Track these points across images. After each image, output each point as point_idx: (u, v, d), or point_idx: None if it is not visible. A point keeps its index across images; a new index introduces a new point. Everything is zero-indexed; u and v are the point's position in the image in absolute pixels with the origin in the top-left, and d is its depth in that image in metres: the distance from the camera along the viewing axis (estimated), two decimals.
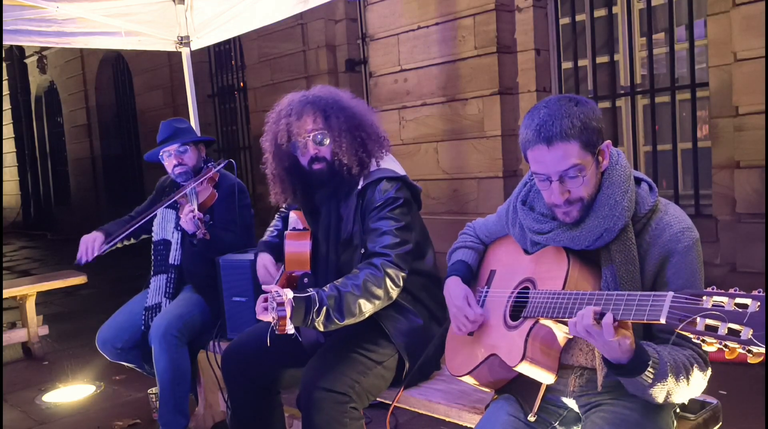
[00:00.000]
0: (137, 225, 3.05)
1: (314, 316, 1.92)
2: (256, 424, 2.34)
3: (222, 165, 3.09)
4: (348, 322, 2.00)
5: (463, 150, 5.84)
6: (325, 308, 1.94)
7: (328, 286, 2.01)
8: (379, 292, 2.04)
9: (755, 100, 4.18)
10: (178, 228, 3.02)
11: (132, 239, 3.22)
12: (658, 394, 1.44)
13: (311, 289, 1.97)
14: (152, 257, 3.15)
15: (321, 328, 1.98)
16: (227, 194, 3.03)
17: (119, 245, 3.13)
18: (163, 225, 3.12)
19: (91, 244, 3.00)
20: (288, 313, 1.84)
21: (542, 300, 1.58)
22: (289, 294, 1.88)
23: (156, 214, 3.11)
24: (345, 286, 2.00)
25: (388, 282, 2.05)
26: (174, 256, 3.05)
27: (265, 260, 2.47)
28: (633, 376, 1.41)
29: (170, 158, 3.07)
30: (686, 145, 4.95)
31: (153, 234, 3.16)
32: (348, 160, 2.17)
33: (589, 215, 1.57)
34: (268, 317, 1.88)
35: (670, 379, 1.42)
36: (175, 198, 3.00)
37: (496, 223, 1.96)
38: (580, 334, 1.40)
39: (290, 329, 1.87)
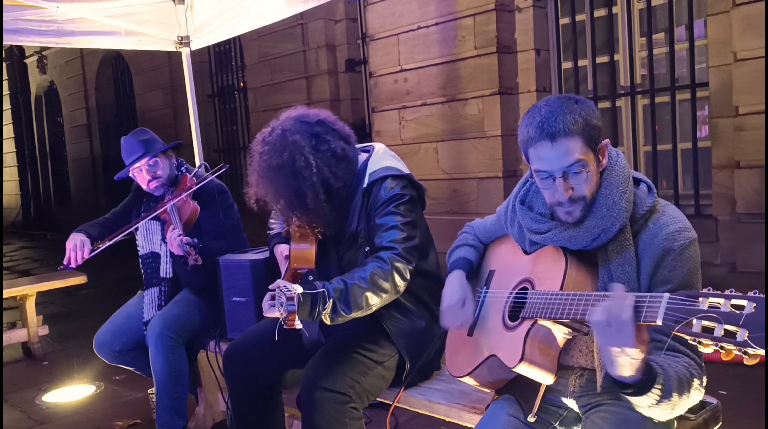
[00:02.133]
0: (124, 234, 2.94)
1: (321, 309, 1.91)
2: (257, 424, 2.34)
3: (196, 170, 3.01)
4: (355, 315, 1.99)
5: (463, 150, 5.84)
6: (331, 300, 1.93)
7: (335, 279, 2.00)
8: (387, 285, 2.02)
9: (755, 100, 4.18)
10: (165, 240, 2.94)
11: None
12: (662, 412, 1.41)
13: (318, 282, 1.96)
14: (141, 270, 3.08)
15: (328, 321, 1.96)
16: (208, 201, 2.94)
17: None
18: (149, 238, 3.04)
19: (80, 249, 2.90)
20: (297, 308, 1.84)
21: (540, 300, 1.57)
22: (298, 289, 1.88)
23: (138, 226, 3.01)
24: (352, 279, 1.99)
25: (396, 275, 2.04)
26: (165, 269, 2.99)
27: (283, 250, 2.44)
28: (640, 395, 1.37)
29: (141, 174, 2.95)
30: (686, 145, 4.95)
31: (139, 247, 3.09)
32: (334, 176, 2.11)
33: (588, 216, 1.57)
34: (275, 313, 1.88)
35: (675, 396, 1.39)
36: (154, 214, 2.91)
37: (495, 223, 1.96)
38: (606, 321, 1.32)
39: (299, 324, 1.87)
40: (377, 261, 2.04)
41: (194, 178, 2.99)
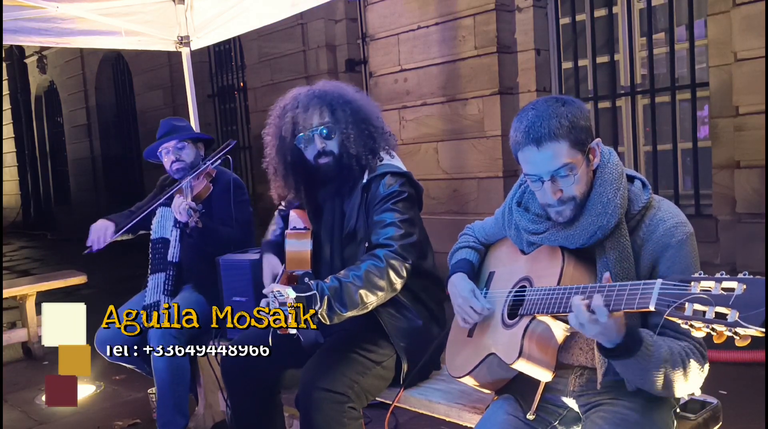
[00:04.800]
0: (143, 214, 3.06)
1: (317, 309, 1.91)
2: (256, 424, 2.34)
3: (219, 162, 3.09)
4: (351, 313, 1.99)
5: (463, 150, 5.84)
6: (326, 298, 1.92)
7: (329, 277, 2.00)
8: (382, 283, 2.01)
9: (755, 100, 4.18)
10: (177, 225, 3.03)
11: (130, 234, 3.22)
12: (653, 380, 1.44)
13: (312, 281, 1.95)
14: (150, 255, 3.14)
15: (327, 321, 1.96)
16: (224, 189, 3.03)
17: (119, 239, 3.14)
18: (162, 223, 3.13)
19: (103, 233, 3.02)
20: (291, 313, 1.84)
21: (538, 296, 1.59)
22: (291, 293, 1.87)
23: (156, 210, 3.11)
24: (346, 277, 1.99)
25: (391, 273, 2.03)
26: (173, 253, 3.06)
27: (272, 262, 2.45)
28: (628, 357, 1.41)
29: (168, 155, 3.09)
30: (686, 145, 4.95)
31: (151, 232, 3.16)
32: (357, 151, 2.15)
33: (583, 214, 1.58)
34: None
35: (666, 367, 1.43)
36: (171, 192, 3.00)
37: (494, 225, 1.97)
38: (580, 324, 1.41)
39: (292, 330, 1.86)
40: (372, 258, 2.04)
41: (215, 169, 3.09)
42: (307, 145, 2.19)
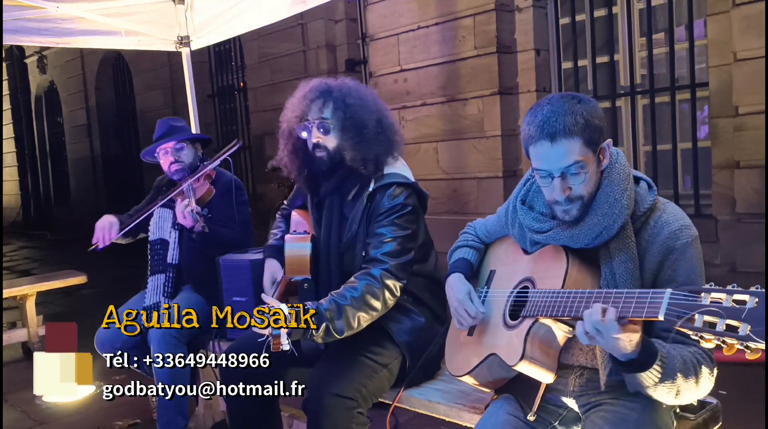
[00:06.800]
0: (146, 214, 3.05)
1: (313, 333, 1.91)
2: (254, 426, 2.33)
3: (218, 162, 3.09)
4: (347, 334, 2.00)
5: (463, 150, 5.84)
6: (324, 324, 1.93)
7: (326, 299, 2.00)
8: (377, 304, 2.03)
9: (755, 100, 4.18)
10: (176, 227, 3.02)
11: (130, 238, 3.21)
12: (667, 391, 1.42)
13: (311, 303, 1.95)
14: (149, 257, 3.14)
15: (320, 342, 1.97)
16: (225, 191, 3.04)
17: (120, 241, 3.12)
18: (160, 224, 3.12)
19: (108, 230, 3.01)
20: (285, 331, 1.82)
21: (541, 299, 1.58)
22: (285, 310, 1.85)
23: (154, 212, 3.11)
24: (344, 299, 1.99)
25: (387, 293, 2.05)
26: (172, 255, 3.06)
27: (273, 267, 2.44)
28: (641, 371, 1.38)
29: (167, 156, 3.08)
30: (686, 145, 4.95)
31: (149, 233, 3.15)
32: (351, 157, 2.14)
33: (589, 213, 1.57)
34: (264, 330, 1.85)
35: (680, 377, 1.41)
36: (173, 195, 3.00)
37: (496, 223, 1.96)
38: (588, 333, 1.37)
39: (285, 346, 1.84)
40: (368, 278, 2.04)
41: (214, 170, 3.08)
42: (308, 135, 2.20)
